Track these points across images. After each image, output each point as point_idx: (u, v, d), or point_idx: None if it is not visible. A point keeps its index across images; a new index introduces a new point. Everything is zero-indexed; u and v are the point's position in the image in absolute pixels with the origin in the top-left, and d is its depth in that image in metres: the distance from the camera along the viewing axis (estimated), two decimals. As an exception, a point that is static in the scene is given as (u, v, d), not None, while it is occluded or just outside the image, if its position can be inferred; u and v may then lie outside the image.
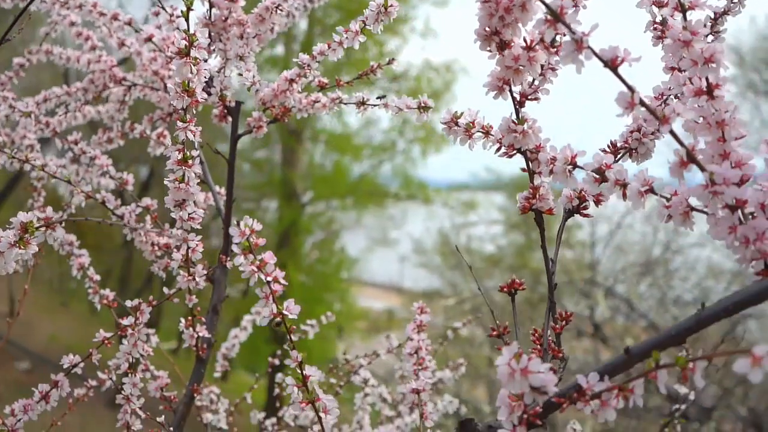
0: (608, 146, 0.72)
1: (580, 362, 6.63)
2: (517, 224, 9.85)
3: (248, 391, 1.48)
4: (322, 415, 0.68)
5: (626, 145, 0.71)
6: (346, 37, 0.95)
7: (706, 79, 0.56)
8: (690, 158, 0.54)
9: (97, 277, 1.13)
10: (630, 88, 0.53)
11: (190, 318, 1.00)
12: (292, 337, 0.68)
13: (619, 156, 0.72)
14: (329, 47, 0.96)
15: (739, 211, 0.55)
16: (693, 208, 0.57)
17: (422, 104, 0.91)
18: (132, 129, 1.27)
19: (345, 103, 1.03)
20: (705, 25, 0.74)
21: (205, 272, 0.94)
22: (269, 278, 0.65)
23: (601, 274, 6.91)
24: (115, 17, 1.14)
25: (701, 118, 0.57)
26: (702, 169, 0.54)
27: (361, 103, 1.01)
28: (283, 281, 0.66)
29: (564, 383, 0.58)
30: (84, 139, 1.30)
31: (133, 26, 1.15)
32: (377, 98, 0.97)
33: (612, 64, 0.53)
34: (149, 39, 1.11)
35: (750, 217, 0.55)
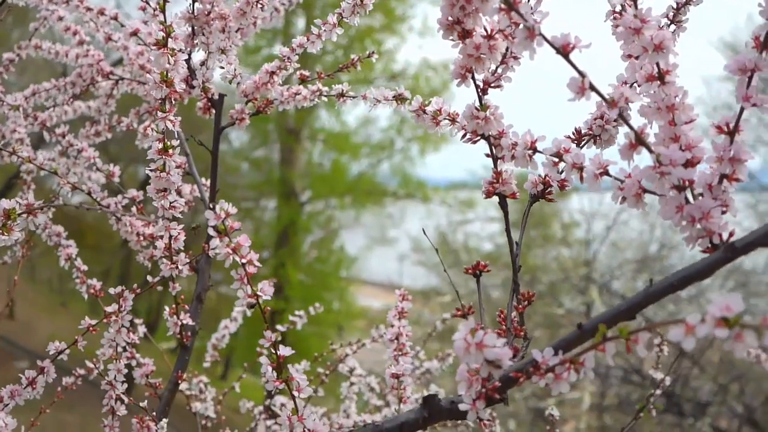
0: (573, 133, 0.74)
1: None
2: (516, 223, 9.86)
3: (237, 380, 1.51)
4: (295, 393, 0.70)
5: (590, 132, 0.74)
6: (324, 30, 0.98)
7: (657, 65, 0.58)
8: (639, 141, 0.56)
9: (84, 267, 1.16)
10: (581, 73, 0.55)
11: (174, 306, 1.02)
12: (267, 317, 0.70)
13: (583, 142, 0.74)
14: (308, 39, 0.99)
15: (689, 192, 0.57)
16: (645, 190, 0.59)
17: (399, 96, 0.93)
18: (119, 122, 1.30)
19: (325, 95, 1.06)
20: (667, 15, 0.76)
21: (187, 260, 0.96)
22: (244, 260, 0.68)
23: (598, 271, 6.94)
24: (101, 12, 1.17)
25: (654, 103, 0.59)
26: (650, 150, 0.56)
27: (341, 95, 1.03)
28: (257, 263, 0.68)
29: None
30: (75, 134, 1.33)
31: (119, 21, 1.18)
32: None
33: (564, 50, 0.55)
34: (135, 33, 1.13)
35: (700, 197, 0.58)
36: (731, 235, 0.55)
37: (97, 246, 10.22)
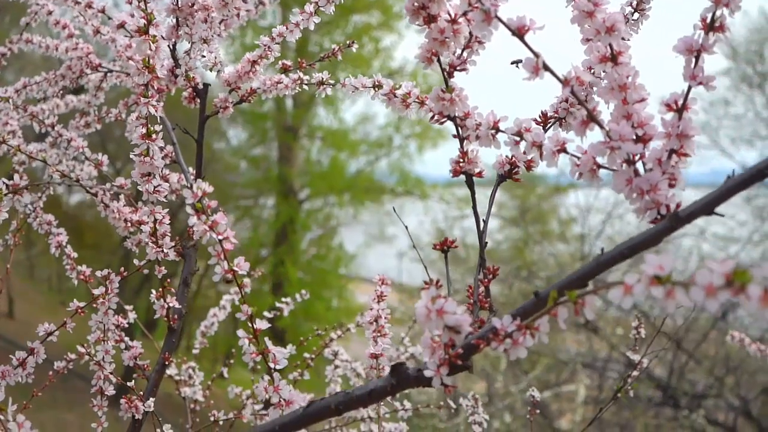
0: (539, 115, 0.77)
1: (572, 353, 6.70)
2: (514, 219, 9.94)
3: (224, 365, 1.54)
4: (271, 365, 0.73)
5: (556, 115, 0.76)
6: (302, 19, 1.01)
7: (610, 46, 0.61)
8: (590, 117, 0.59)
9: (75, 255, 1.18)
10: (535, 54, 0.58)
11: (161, 289, 1.05)
12: (244, 292, 0.73)
13: (549, 125, 0.77)
14: (287, 28, 1.02)
15: (641, 165, 0.60)
16: (600, 165, 0.62)
17: (376, 83, 0.96)
18: (108, 113, 1.33)
19: (306, 84, 1.09)
20: (630, 3, 0.79)
21: (172, 244, 0.99)
22: (221, 237, 0.71)
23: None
24: (89, 5, 1.19)
25: (608, 83, 0.62)
26: (601, 127, 0.59)
27: (321, 83, 1.06)
28: (234, 240, 0.71)
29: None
30: (64, 125, 1.36)
31: (107, 14, 1.21)
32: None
33: (519, 32, 0.58)
34: (122, 26, 1.16)
35: (651, 171, 0.61)
36: (678, 206, 0.58)
37: (96, 245, 10.26)
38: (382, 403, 1.27)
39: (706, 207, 0.54)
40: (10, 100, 1.24)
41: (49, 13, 1.29)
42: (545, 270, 7.90)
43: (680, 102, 0.60)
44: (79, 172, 1.15)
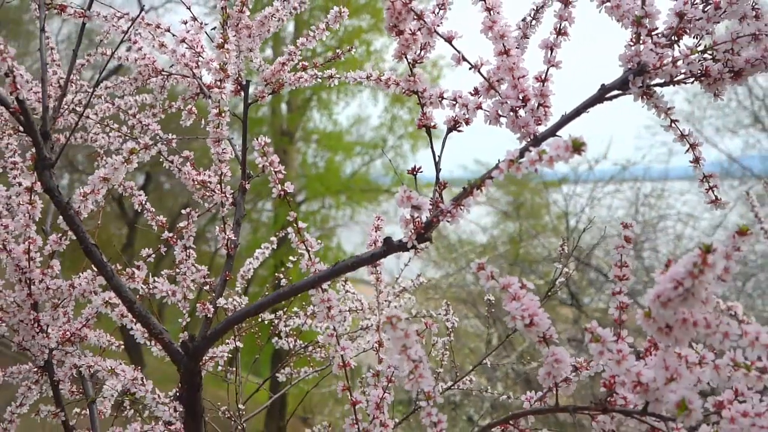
0: (473, 89, 1.21)
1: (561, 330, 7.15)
2: (510, 215, 10.39)
3: (279, 274, 1.97)
4: (309, 248, 1.18)
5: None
6: (318, 32, 1.46)
7: (503, 45, 1.06)
8: (490, 86, 1.04)
9: (152, 210, 1.62)
10: (458, 51, 1.03)
11: (222, 225, 1.49)
12: (294, 205, 1.17)
13: (479, 95, 1.21)
14: (307, 39, 1.47)
15: (522, 112, 1.05)
16: (499, 114, 1.06)
17: (369, 74, 1.40)
18: (171, 106, 1.77)
19: (320, 78, 1.54)
20: (529, 15, 1.23)
21: (232, 191, 1.44)
22: (276, 169, 1.15)
23: (578, 247, 7.45)
24: (158, 26, 1.63)
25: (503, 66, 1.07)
26: (496, 91, 1.04)
27: (331, 77, 1.51)
28: (283, 172, 1.16)
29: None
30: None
31: (171, 32, 1.64)
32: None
33: (449, 39, 1.03)
34: (183, 41, 1.60)
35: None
36: (540, 134, 1.02)
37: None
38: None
39: (555, 128, 0.99)
40: (102, 96, 1.69)
41: (123, 32, 1.73)
42: (539, 262, 8.38)
43: (543, 76, 1.05)
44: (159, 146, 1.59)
